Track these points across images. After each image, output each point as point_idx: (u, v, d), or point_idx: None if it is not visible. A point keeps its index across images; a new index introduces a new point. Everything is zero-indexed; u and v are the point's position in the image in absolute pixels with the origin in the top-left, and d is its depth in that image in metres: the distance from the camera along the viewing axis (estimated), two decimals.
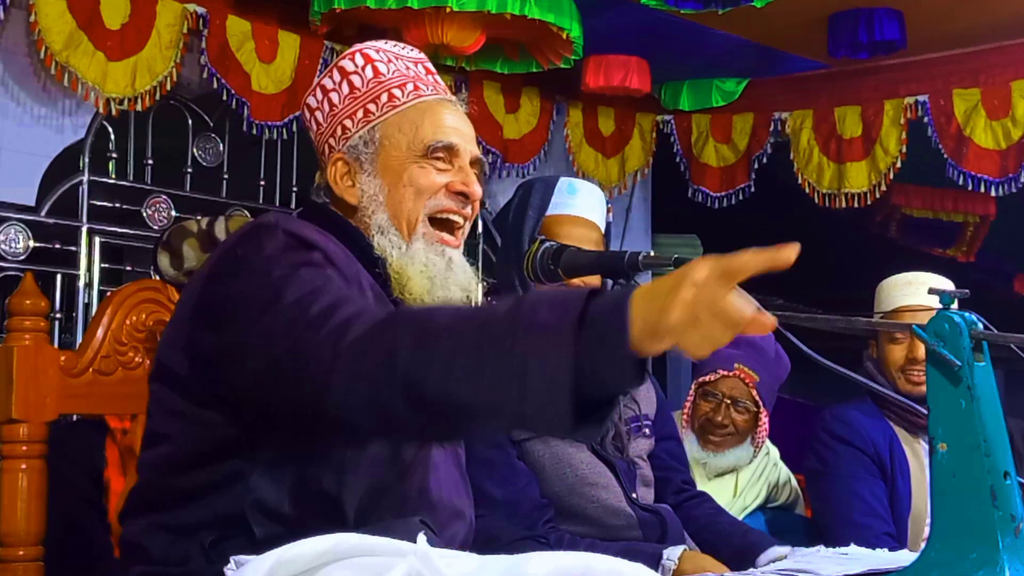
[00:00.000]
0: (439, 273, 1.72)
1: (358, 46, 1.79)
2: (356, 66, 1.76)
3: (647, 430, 2.53)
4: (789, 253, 1.24)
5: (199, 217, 1.84)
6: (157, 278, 2.04)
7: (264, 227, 1.61)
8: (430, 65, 1.82)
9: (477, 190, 1.77)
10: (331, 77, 1.77)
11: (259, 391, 1.48)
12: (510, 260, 2.32)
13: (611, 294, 1.30)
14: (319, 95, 1.78)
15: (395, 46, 1.81)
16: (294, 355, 1.42)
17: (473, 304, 1.75)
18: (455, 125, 1.77)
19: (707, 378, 3.28)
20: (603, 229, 2.46)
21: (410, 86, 1.76)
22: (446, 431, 1.34)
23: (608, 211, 2.49)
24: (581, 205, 2.42)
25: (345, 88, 1.76)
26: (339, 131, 1.76)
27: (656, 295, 1.24)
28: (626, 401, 2.46)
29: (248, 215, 1.86)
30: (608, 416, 1.35)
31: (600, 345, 1.25)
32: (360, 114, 1.74)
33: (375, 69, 1.75)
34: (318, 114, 1.79)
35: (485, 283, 1.84)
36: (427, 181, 1.73)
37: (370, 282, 1.67)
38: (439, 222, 1.75)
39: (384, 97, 1.74)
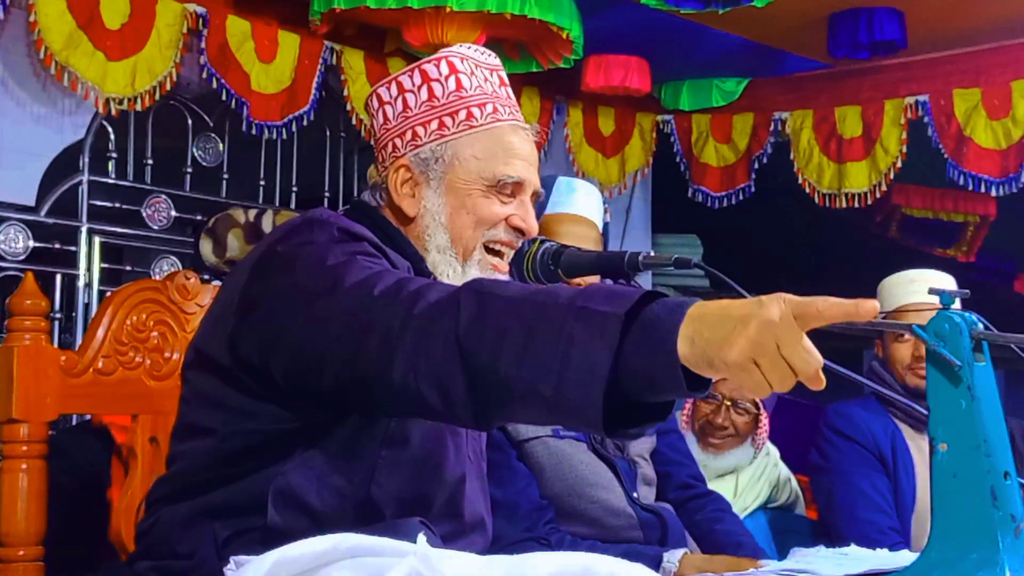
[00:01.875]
0: None
1: (444, 52, 1.76)
2: (439, 73, 1.73)
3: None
4: (871, 308, 1.18)
5: (248, 207, 1.82)
6: (158, 278, 2.03)
7: (315, 220, 1.60)
8: (504, 75, 1.80)
9: (534, 226, 1.77)
10: (411, 77, 1.74)
11: (321, 371, 1.46)
12: (511, 259, 2.32)
13: (672, 300, 1.26)
14: (393, 90, 1.75)
15: (476, 51, 1.78)
16: (362, 329, 1.41)
17: None
18: (525, 158, 1.75)
19: None
20: (601, 229, 2.46)
21: (489, 107, 1.73)
22: (493, 409, 1.33)
23: (606, 212, 2.48)
24: (579, 204, 2.42)
25: (424, 93, 1.73)
26: (409, 135, 1.73)
27: (721, 323, 1.19)
28: None
29: (295, 213, 1.85)
30: (648, 424, 1.33)
31: (646, 344, 1.22)
32: (435, 125, 1.72)
33: (458, 81, 1.73)
34: (388, 109, 1.75)
35: None
36: (489, 212, 1.73)
37: None
38: (490, 250, 1.76)
39: (462, 114, 1.72)
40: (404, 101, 1.74)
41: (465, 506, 1.70)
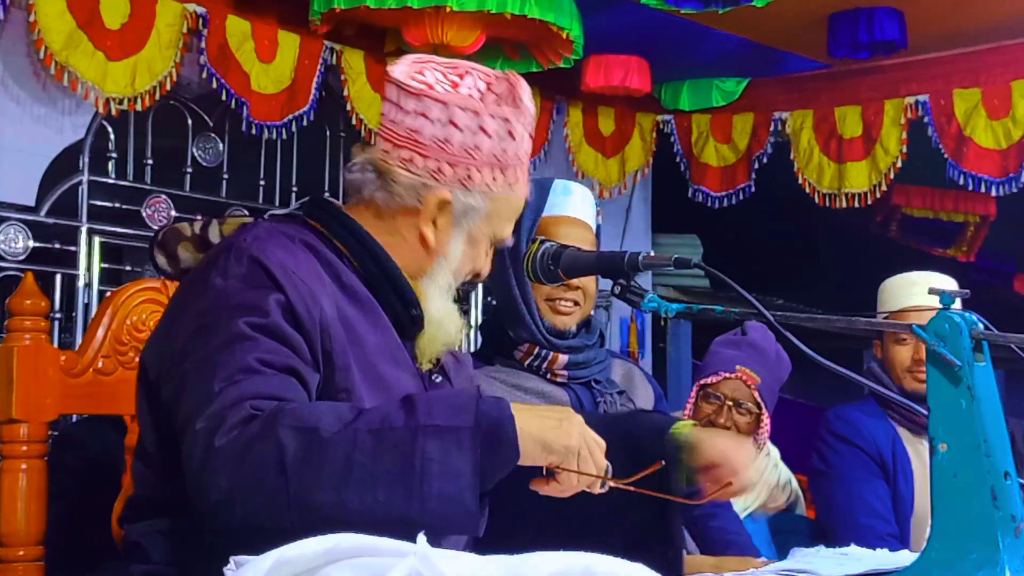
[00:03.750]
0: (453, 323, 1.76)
1: (526, 101, 1.70)
2: (518, 132, 1.67)
3: None
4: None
5: (195, 220, 1.82)
6: (150, 276, 2.03)
7: (234, 250, 1.56)
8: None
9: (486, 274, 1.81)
10: (496, 120, 1.65)
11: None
12: (506, 260, 2.32)
13: (491, 400, 1.42)
14: (472, 123, 1.63)
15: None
16: (184, 434, 1.43)
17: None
18: None
19: (708, 380, 3.27)
20: (594, 231, 2.47)
21: (525, 169, 1.73)
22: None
23: (598, 214, 2.50)
24: (575, 207, 2.43)
25: (499, 145, 1.65)
26: (463, 171, 1.64)
27: (547, 417, 1.44)
28: (622, 400, 2.45)
29: (248, 216, 1.83)
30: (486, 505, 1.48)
31: (496, 448, 1.37)
32: (488, 176, 1.66)
33: (523, 141, 1.70)
34: (456, 134, 1.63)
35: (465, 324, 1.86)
36: (481, 265, 1.76)
37: (348, 314, 1.61)
38: None
39: (510, 174, 1.69)
40: (477, 142, 1.64)
41: None
